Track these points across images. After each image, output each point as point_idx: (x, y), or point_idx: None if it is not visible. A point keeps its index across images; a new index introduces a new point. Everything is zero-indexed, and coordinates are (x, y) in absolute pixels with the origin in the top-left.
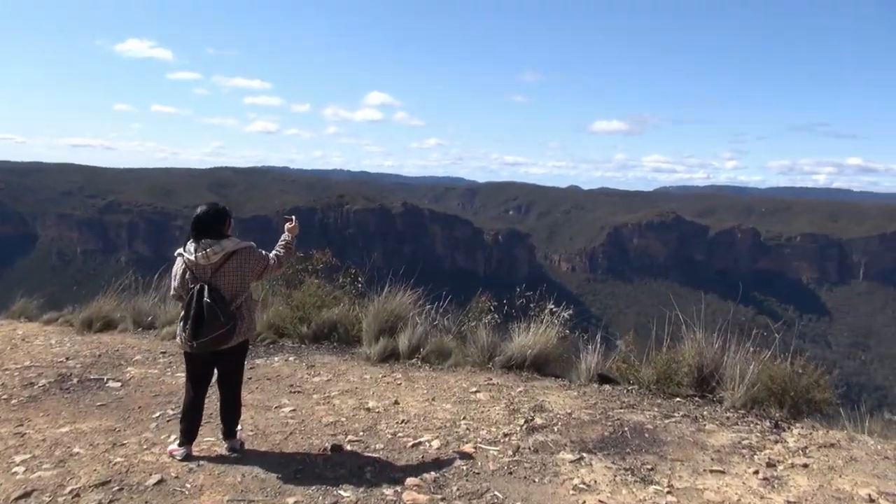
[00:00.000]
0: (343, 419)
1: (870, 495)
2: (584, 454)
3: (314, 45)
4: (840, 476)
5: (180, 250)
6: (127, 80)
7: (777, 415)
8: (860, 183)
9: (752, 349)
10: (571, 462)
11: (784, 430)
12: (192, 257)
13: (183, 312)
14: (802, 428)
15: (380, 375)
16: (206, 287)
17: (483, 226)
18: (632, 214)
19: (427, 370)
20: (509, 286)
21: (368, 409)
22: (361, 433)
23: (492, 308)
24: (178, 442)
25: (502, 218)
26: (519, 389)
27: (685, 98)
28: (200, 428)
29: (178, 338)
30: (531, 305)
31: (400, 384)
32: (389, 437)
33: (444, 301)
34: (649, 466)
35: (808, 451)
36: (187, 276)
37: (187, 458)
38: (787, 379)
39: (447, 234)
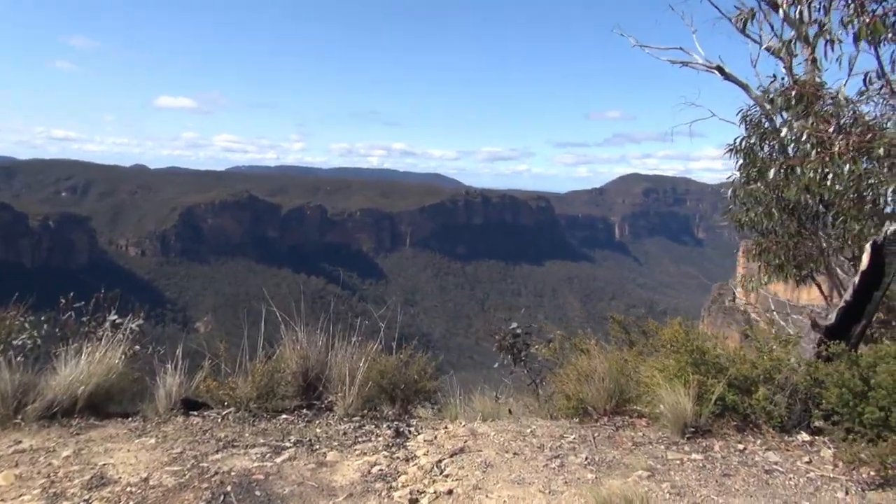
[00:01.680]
0: None
1: None
2: None
3: None
4: (486, 496)
5: None
6: None
7: (390, 412)
8: (404, 164)
9: (357, 341)
10: None
11: (408, 437)
12: None
13: None
14: (423, 430)
15: None
16: None
17: (28, 210)
18: (205, 194)
19: None
20: (67, 278)
21: None
22: None
23: (26, 325)
24: None
25: (53, 200)
26: (67, 453)
27: (255, 81)
28: None
29: None
30: (85, 320)
31: None
32: None
33: None
34: None
35: (443, 466)
36: None
37: None
38: (396, 372)
39: None
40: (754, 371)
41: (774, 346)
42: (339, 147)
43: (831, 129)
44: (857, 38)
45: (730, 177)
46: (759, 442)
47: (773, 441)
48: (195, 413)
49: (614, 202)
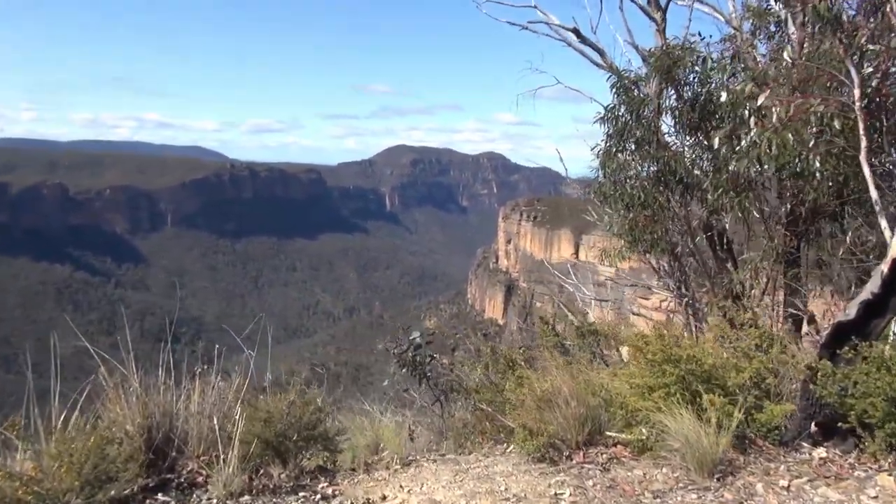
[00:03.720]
0: None
1: None
2: None
3: None
4: None
5: None
6: None
7: (283, 477)
8: (161, 137)
9: (217, 376)
10: None
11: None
12: None
13: None
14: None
15: None
16: None
17: None
18: None
19: None
20: None
21: None
22: None
23: None
24: None
25: None
26: None
27: None
28: None
29: None
30: None
31: None
32: None
33: None
34: None
35: None
36: None
37: None
38: (285, 418)
39: None
40: (740, 378)
41: (760, 347)
42: (81, 117)
43: (765, 96)
44: None
45: (594, 147)
46: (782, 469)
47: (794, 464)
48: None
49: (383, 173)
